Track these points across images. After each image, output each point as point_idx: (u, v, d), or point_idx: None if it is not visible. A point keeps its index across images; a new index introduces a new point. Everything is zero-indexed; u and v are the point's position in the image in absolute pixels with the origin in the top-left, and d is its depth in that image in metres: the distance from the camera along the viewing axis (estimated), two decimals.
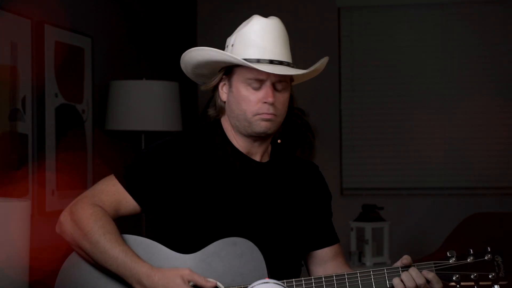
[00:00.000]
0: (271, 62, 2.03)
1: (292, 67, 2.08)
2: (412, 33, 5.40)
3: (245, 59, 2.02)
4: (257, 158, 2.14)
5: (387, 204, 4.88)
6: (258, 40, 2.04)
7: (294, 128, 5.15)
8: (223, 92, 2.12)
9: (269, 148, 2.19)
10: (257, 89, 2.04)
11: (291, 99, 2.16)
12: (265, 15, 2.12)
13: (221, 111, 2.15)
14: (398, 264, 2.01)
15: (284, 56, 2.06)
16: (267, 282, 1.81)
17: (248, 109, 2.05)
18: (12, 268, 2.34)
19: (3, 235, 2.28)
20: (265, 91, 2.04)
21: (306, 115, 5.29)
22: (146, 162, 2.06)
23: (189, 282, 1.90)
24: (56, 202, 3.55)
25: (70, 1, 3.78)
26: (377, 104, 5.44)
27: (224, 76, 2.11)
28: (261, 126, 2.05)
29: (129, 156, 2.16)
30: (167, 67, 4.88)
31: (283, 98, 2.07)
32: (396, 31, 5.42)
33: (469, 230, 4.62)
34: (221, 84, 2.12)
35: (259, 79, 2.04)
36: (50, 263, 2.42)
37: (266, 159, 2.16)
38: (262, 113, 2.04)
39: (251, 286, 1.82)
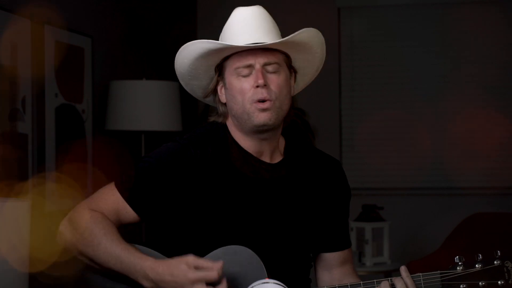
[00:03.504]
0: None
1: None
2: (412, 33, 5.40)
3: None
4: (266, 158, 2.06)
5: (387, 204, 4.88)
6: (240, 27, 1.98)
7: (294, 128, 5.15)
8: (222, 94, 2.05)
9: (282, 145, 2.12)
10: (247, 75, 1.97)
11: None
12: None
13: (225, 115, 2.07)
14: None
15: (269, 39, 1.97)
16: (267, 282, 1.82)
17: (244, 99, 1.97)
18: (12, 268, 2.33)
19: (2, 235, 2.27)
20: (255, 75, 1.96)
21: (306, 115, 5.29)
22: (147, 174, 2.01)
23: (195, 267, 1.86)
24: (56, 202, 3.55)
25: (70, 1, 3.78)
26: (377, 104, 5.44)
27: (218, 78, 2.04)
28: (259, 117, 1.97)
29: (130, 161, 2.14)
30: (167, 67, 4.87)
31: (277, 79, 1.98)
32: (396, 31, 5.42)
33: (469, 230, 4.62)
34: (219, 87, 2.05)
35: (247, 65, 1.97)
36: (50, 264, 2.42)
37: (278, 158, 2.08)
38: (258, 100, 1.96)
39: (251, 286, 1.83)
